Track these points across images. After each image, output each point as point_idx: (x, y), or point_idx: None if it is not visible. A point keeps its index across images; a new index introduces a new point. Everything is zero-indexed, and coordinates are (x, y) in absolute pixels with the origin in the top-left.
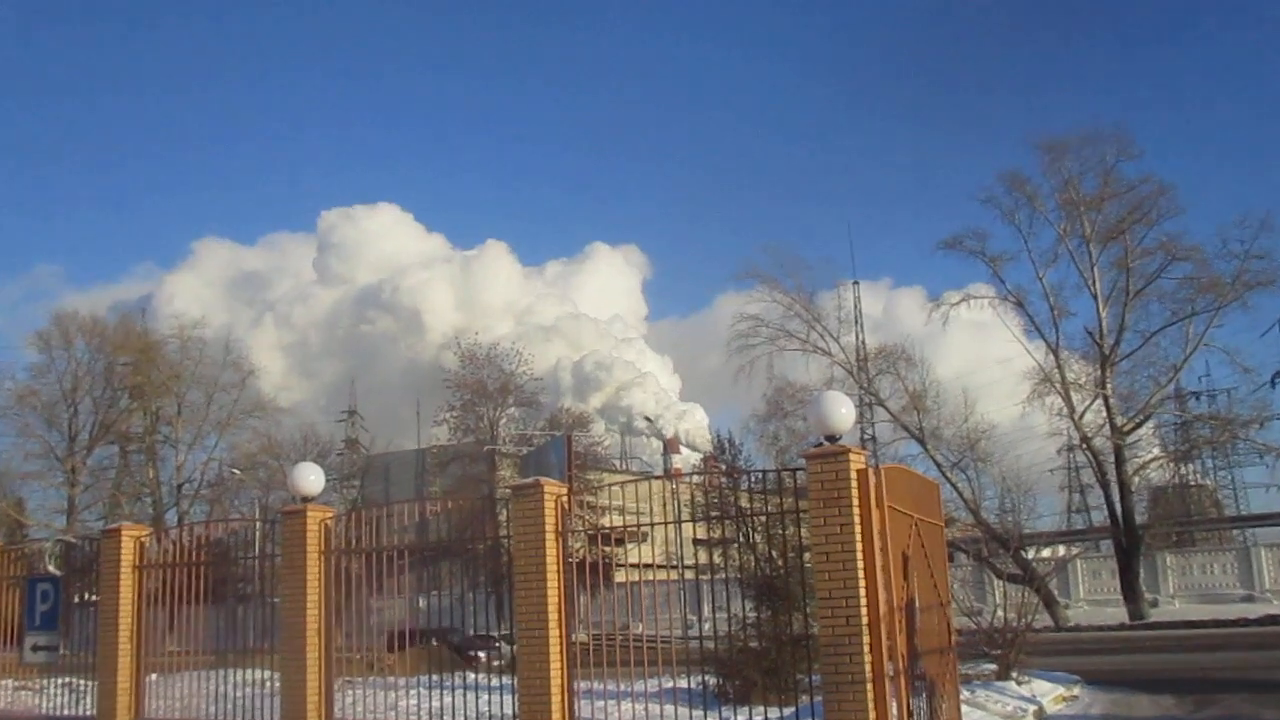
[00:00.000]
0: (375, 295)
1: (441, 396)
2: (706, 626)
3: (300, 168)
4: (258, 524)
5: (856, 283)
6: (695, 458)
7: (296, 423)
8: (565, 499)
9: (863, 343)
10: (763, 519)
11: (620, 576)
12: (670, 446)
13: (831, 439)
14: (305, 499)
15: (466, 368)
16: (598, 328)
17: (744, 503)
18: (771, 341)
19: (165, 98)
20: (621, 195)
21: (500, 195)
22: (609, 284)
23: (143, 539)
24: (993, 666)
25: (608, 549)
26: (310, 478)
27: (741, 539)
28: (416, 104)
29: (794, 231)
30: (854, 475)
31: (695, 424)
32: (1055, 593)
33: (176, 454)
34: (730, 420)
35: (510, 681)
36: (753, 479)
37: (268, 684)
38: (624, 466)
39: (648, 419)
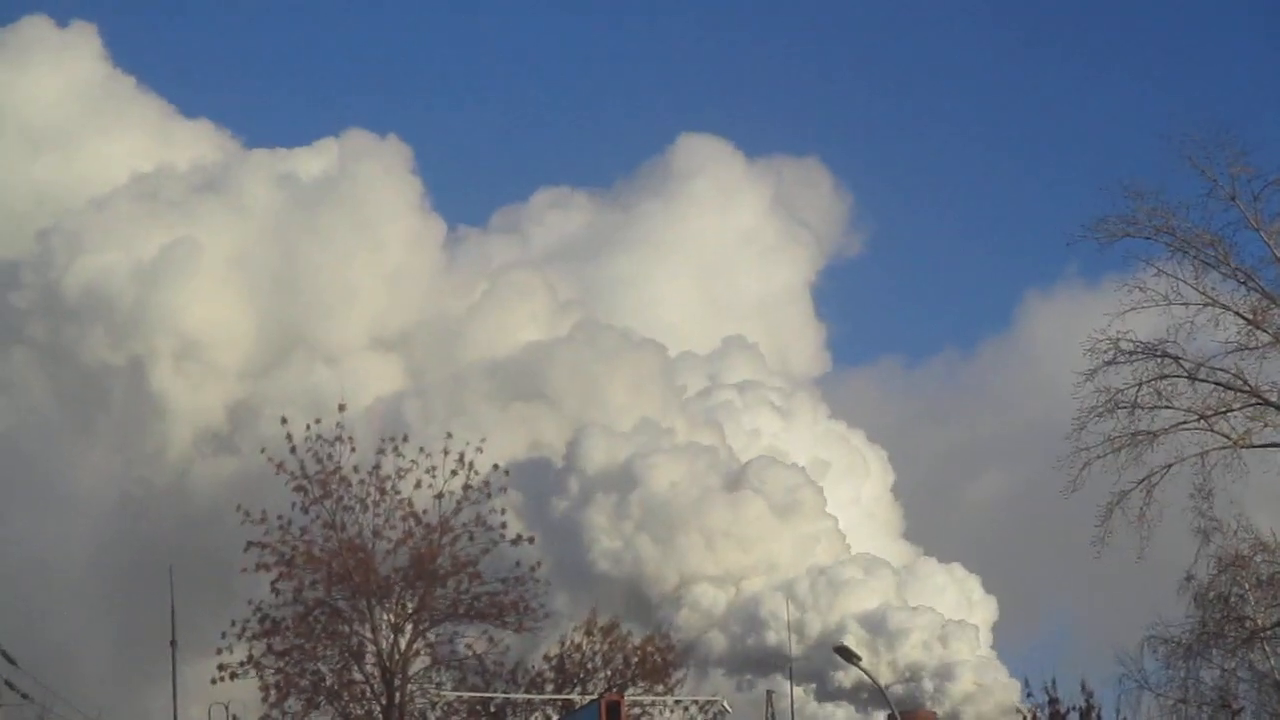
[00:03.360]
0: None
1: (235, 595)
2: None
3: None
4: None
5: None
6: None
7: None
8: None
9: None
10: None
11: None
12: None
13: None
14: None
15: (311, 509)
16: (667, 378)
17: None
18: (1205, 422)
19: None
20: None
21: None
22: (730, 261)
23: None
24: None
25: None
26: None
27: None
28: None
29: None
30: None
31: (974, 664)
32: None
33: None
34: (1077, 648)
35: None
36: None
37: None
38: None
39: (845, 652)
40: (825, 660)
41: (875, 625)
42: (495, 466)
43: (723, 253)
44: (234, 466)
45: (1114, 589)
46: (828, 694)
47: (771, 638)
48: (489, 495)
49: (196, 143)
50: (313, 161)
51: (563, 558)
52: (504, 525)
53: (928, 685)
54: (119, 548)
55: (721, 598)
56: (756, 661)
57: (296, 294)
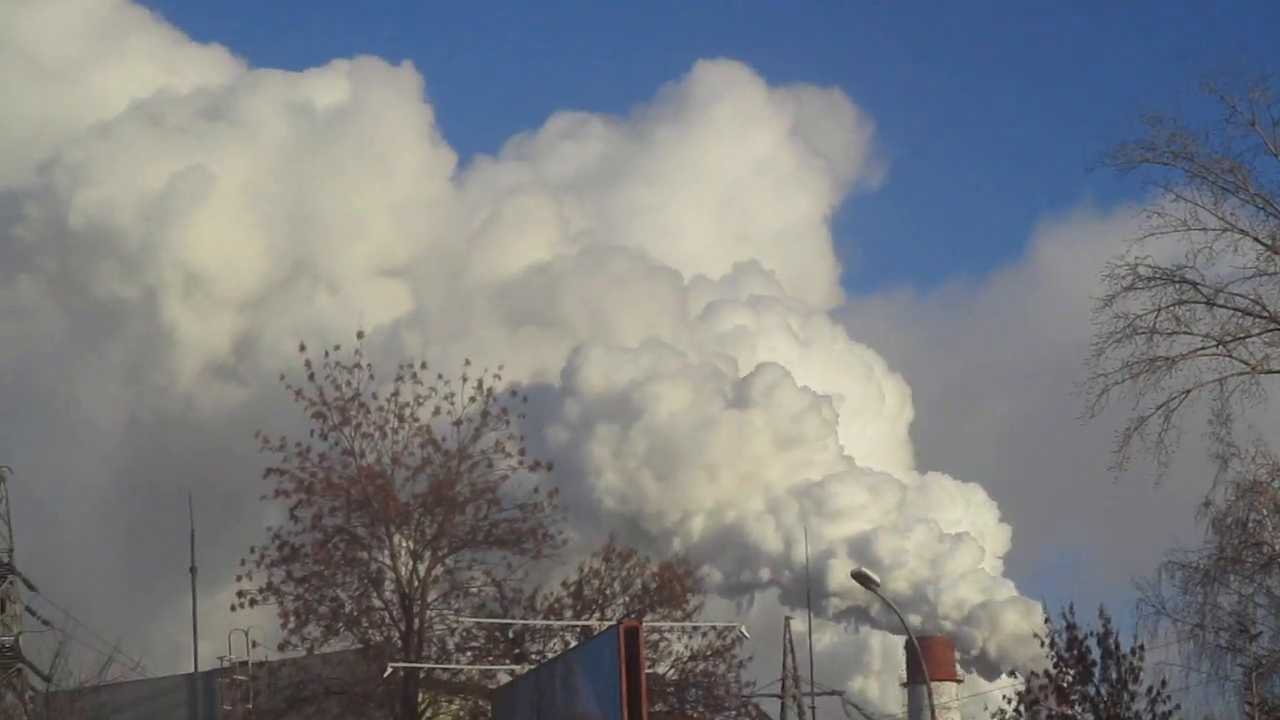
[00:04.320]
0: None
1: (244, 524)
2: None
3: None
4: None
5: None
6: (1002, 688)
7: None
8: None
9: None
10: None
11: None
12: (933, 655)
13: None
14: None
15: (330, 436)
16: (679, 302)
17: None
18: (1223, 348)
19: None
20: None
21: None
22: (747, 190)
23: None
24: None
25: None
26: None
27: None
28: None
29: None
30: None
31: (990, 590)
32: None
33: None
34: (1095, 574)
35: None
36: None
37: None
38: (792, 715)
39: (863, 578)
40: (815, 585)
41: (864, 553)
42: (514, 393)
43: (740, 182)
44: (242, 395)
45: (1132, 516)
46: (820, 615)
47: (764, 574)
48: (507, 422)
49: (205, 69)
50: (323, 88)
51: (563, 488)
52: (523, 451)
53: (914, 619)
54: (131, 476)
55: (712, 528)
56: (750, 586)
57: (305, 224)
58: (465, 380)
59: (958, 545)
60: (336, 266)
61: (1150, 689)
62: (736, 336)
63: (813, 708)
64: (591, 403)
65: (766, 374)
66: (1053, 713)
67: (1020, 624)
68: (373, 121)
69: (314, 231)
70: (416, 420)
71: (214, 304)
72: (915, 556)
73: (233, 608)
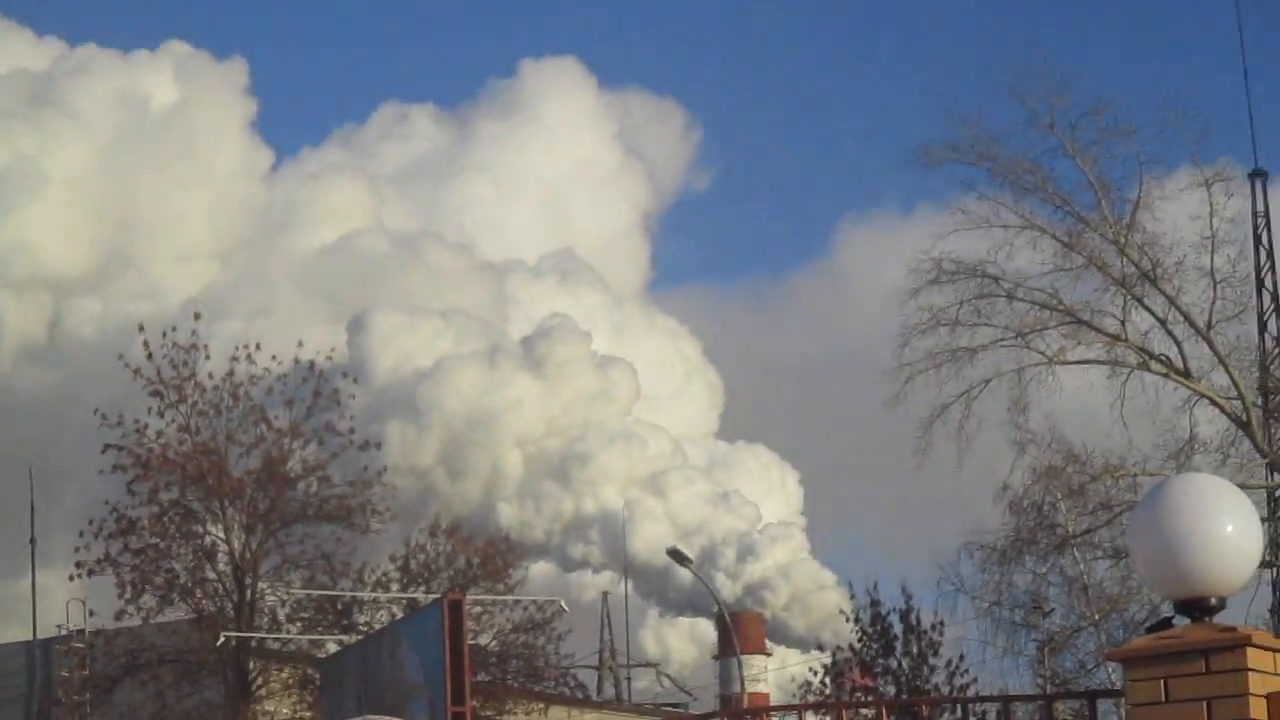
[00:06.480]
0: None
1: (63, 500)
2: None
3: None
4: None
5: (1261, 175)
6: (803, 664)
7: None
8: None
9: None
10: None
11: None
12: (744, 627)
13: (1198, 608)
14: None
15: (166, 414)
16: (494, 292)
17: None
18: (1022, 339)
19: None
20: None
21: None
22: (570, 189)
23: None
24: None
25: None
26: None
27: None
28: None
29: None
30: (1260, 707)
31: (792, 568)
32: None
33: None
34: (895, 560)
35: None
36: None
37: None
38: (609, 685)
39: (678, 555)
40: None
41: (611, 522)
42: (344, 374)
43: (563, 180)
44: (56, 378)
45: (933, 500)
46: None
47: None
48: (338, 402)
49: (21, 54)
50: (151, 81)
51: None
52: (352, 431)
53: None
54: None
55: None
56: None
57: (122, 219)
58: (298, 361)
59: (728, 507)
60: (149, 257)
61: (949, 662)
62: (549, 321)
63: (629, 679)
64: (381, 390)
65: (563, 344)
66: (856, 684)
67: (818, 590)
68: (194, 118)
69: (130, 225)
70: (250, 399)
71: (33, 290)
72: (686, 517)
73: (71, 578)
